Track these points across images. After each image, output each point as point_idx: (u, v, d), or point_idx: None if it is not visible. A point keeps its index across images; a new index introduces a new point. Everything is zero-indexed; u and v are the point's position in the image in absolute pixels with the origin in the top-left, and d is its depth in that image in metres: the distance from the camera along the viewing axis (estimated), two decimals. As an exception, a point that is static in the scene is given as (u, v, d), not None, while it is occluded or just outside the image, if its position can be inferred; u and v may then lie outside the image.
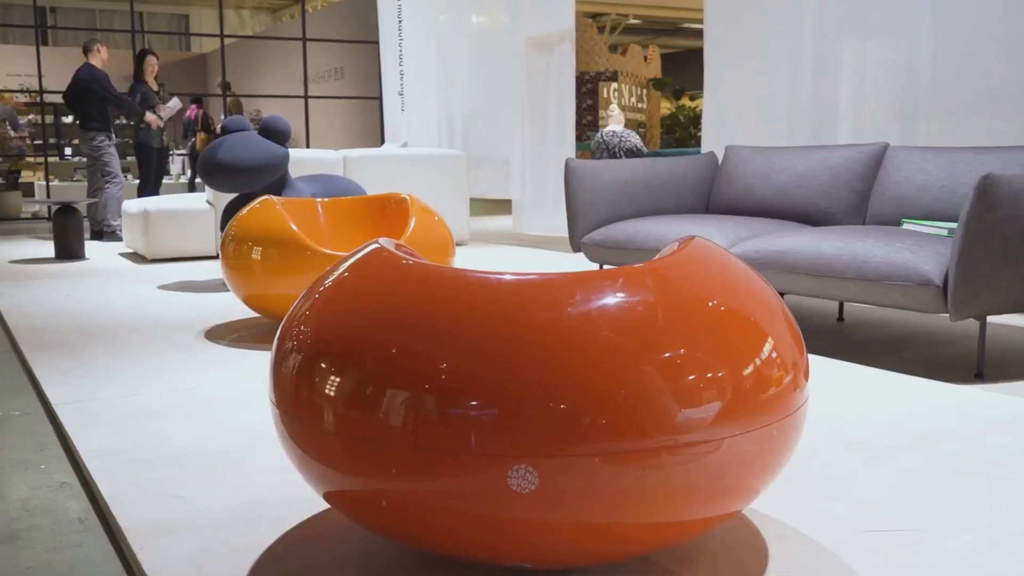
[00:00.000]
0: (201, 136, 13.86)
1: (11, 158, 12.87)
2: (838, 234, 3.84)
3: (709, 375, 1.57)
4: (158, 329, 4.33)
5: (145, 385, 3.26)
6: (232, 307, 4.93)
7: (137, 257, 7.27)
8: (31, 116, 15.14)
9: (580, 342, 1.53)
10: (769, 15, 5.98)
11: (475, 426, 1.51)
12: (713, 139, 6.72)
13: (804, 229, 4.20)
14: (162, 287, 5.67)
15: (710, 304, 1.67)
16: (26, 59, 11.46)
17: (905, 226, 4.06)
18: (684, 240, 1.99)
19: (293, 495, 2.19)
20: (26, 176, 15.34)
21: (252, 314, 4.69)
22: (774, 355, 1.68)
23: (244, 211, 4.16)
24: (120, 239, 8.50)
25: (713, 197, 5.18)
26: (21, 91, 14.38)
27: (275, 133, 5.44)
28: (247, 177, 5.23)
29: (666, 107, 21.08)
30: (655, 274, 1.72)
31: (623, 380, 1.51)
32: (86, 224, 9.03)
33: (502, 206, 10.70)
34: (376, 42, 13.03)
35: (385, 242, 2.07)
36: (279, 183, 5.47)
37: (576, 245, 4.96)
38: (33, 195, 14.72)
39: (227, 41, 12.93)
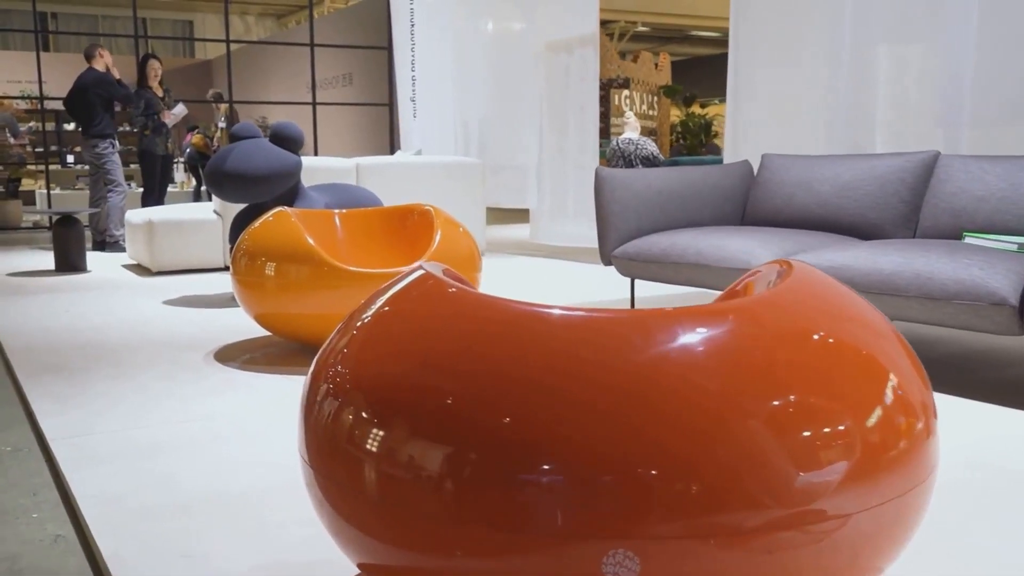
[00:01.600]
0: (199, 136, 13.59)
1: (11, 166, 12.59)
2: (896, 248, 3.56)
3: (851, 433, 1.29)
4: (163, 349, 4.05)
5: (150, 415, 2.98)
6: (242, 324, 4.65)
7: (141, 269, 7.00)
8: (32, 123, 14.89)
9: (690, 394, 1.25)
10: (803, 17, 5.70)
11: (559, 499, 1.23)
12: (735, 147, 6.44)
13: (854, 243, 3.92)
14: (168, 302, 5.39)
15: (832, 343, 1.39)
16: (27, 65, 11.22)
17: (967, 240, 3.77)
18: (780, 265, 1.71)
19: (319, 555, 1.91)
20: (27, 184, 15.08)
21: (264, 332, 4.41)
22: (910, 403, 1.40)
23: (257, 224, 3.88)
24: (123, 250, 8.23)
25: (749, 208, 4.90)
26: (21, 97, 14.12)
27: (287, 140, 5.17)
28: (258, 187, 4.96)
29: (675, 115, 20.82)
30: (767, 309, 1.43)
31: (748, 440, 1.22)
32: (88, 234, 8.77)
33: (517, 215, 10.43)
34: (386, 48, 12.79)
35: (431, 267, 1.79)
36: (291, 193, 5.19)
37: (607, 258, 4.69)
38: (34, 204, 14.47)
39: (232, 47, 12.67)
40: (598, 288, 5.90)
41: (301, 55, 15.49)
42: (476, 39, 8.55)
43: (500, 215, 10.16)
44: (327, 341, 1.71)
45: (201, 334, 4.39)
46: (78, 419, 2.94)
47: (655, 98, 18.62)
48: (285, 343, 4.14)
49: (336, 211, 4.21)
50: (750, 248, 4.00)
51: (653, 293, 5.64)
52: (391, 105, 12.82)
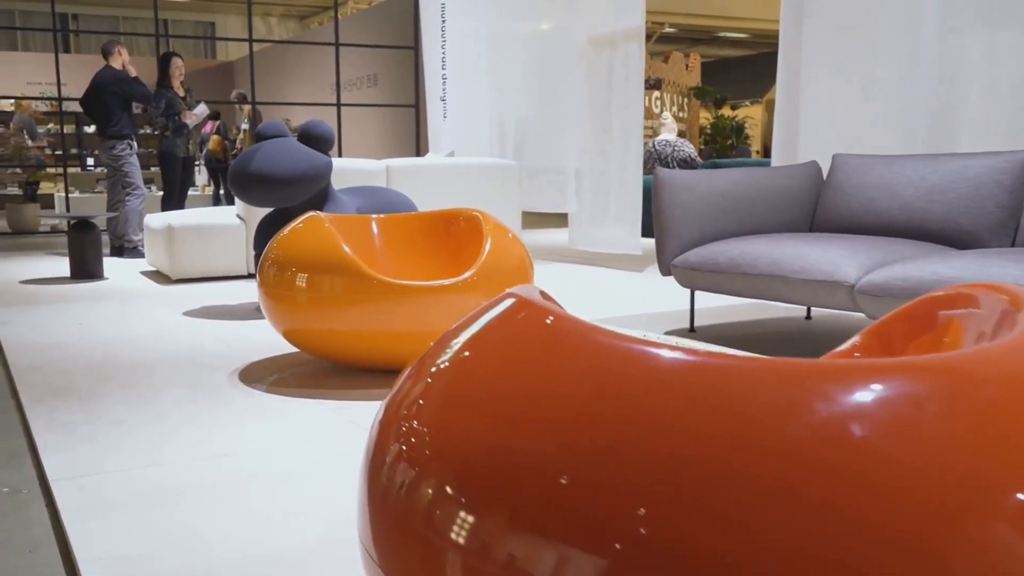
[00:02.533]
0: (215, 138, 13.28)
1: (28, 169, 12.29)
2: (1010, 259, 3.14)
3: None
4: (183, 368, 3.67)
5: (166, 449, 2.60)
6: (268, 339, 4.27)
7: (160, 276, 6.64)
8: (50, 125, 14.60)
9: (915, 477, 0.86)
10: (874, 7, 5.28)
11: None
12: (785, 148, 6.02)
13: (951, 252, 3.51)
14: (188, 313, 5.02)
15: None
16: (47, 67, 10.93)
17: (1086, 250, 3.35)
18: (998, 294, 1.31)
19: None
20: (46, 188, 14.79)
21: (292, 348, 4.03)
22: None
23: (286, 230, 3.50)
24: (142, 255, 7.88)
25: (820, 212, 4.49)
26: (39, 98, 13.83)
27: (317, 139, 4.80)
28: (285, 189, 4.58)
29: (704, 117, 20.38)
30: (996, 362, 1.03)
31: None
32: (105, 240, 8.44)
33: (554, 219, 10.04)
34: (412, 47, 12.42)
35: (526, 292, 1.40)
36: (320, 196, 4.82)
37: (666, 268, 4.28)
38: (53, 207, 14.17)
39: (255, 49, 12.33)
40: (649, 298, 5.49)
41: (325, 56, 15.14)
42: (513, 35, 8.16)
43: (536, 219, 9.76)
44: (394, 391, 1.33)
45: (224, 350, 4.02)
46: (86, 454, 2.56)
47: (685, 100, 18.20)
48: (316, 362, 3.76)
49: (373, 216, 3.83)
50: (835, 258, 3.59)
51: (712, 304, 5.23)
52: (417, 106, 12.45)
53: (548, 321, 1.26)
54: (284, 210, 4.85)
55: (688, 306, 5.18)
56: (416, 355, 1.39)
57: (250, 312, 5.05)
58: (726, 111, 20.12)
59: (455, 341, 1.32)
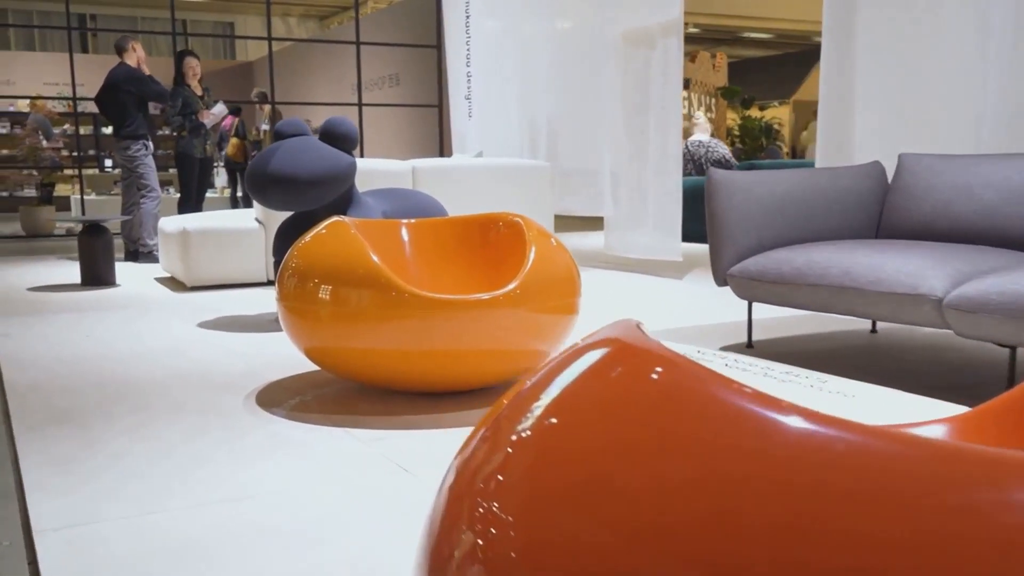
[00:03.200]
0: (234, 141, 12.97)
1: (43, 170, 12.02)
2: (1125, 272, 2.78)
3: None
4: (195, 389, 3.34)
5: (175, 491, 2.27)
6: (289, 354, 3.94)
7: (174, 283, 6.33)
8: (66, 126, 14.34)
9: None
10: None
11: None
12: (828, 149, 5.64)
13: (1047, 262, 3.14)
14: (203, 324, 4.70)
15: None
16: (64, 67, 10.64)
17: None
18: None
19: None
20: (63, 189, 14.53)
21: (314, 366, 3.70)
22: None
23: (308, 237, 3.17)
24: (157, 260, 7.57)
25: (887, 217, 4.12)
26: (53, 98, 13.58)
27: (339, 138, 4.47)
28: (307, 192, 4.25)
29: (731, 117, 19.98)
30: None
31: None
32: (119, 243, 8.15)
33: (588, 222, 9.68)
34: (435, 46, 12.10)
35: (625, 333, 1.07)
36: (344, 199, 4.49)
37: (721, 277, 3.93)
38: (69, 210, 13.92)
39: (274, 49, 12.04)
40: (694, 308, 5.13)
41: (345, 56, 14.84)
42: (543, 31, 7.80)
43: (568, 222, 9.39)
44: (466, 456, 0.99)
45: (240, 367, 3.69)
46: (80, 498, 2.23)
47: (713, 100, 17.81)
48: (341, 383, 3.42)
49: (403, 221, 3.49)
50: (917, 268, 3.22)
51: (763, 315, 4.87)
52: (440, 106, 12.13)
53: (657, 376, 0.93)
54: (305, 214, 4.52)
55: (739, 317, 4.82)
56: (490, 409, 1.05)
57: (269, 324, 4.72)
58: (753, 112, 19.70)
59: (540, 402, 0.99)
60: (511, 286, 2.93)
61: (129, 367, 3.71)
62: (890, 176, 4.44)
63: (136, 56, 7.59)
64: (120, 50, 7.65)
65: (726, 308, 5.12)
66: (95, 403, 3.14)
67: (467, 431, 2.77)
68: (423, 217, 4.71)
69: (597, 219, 7.82)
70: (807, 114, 23.88)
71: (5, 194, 15.62)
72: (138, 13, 21.47)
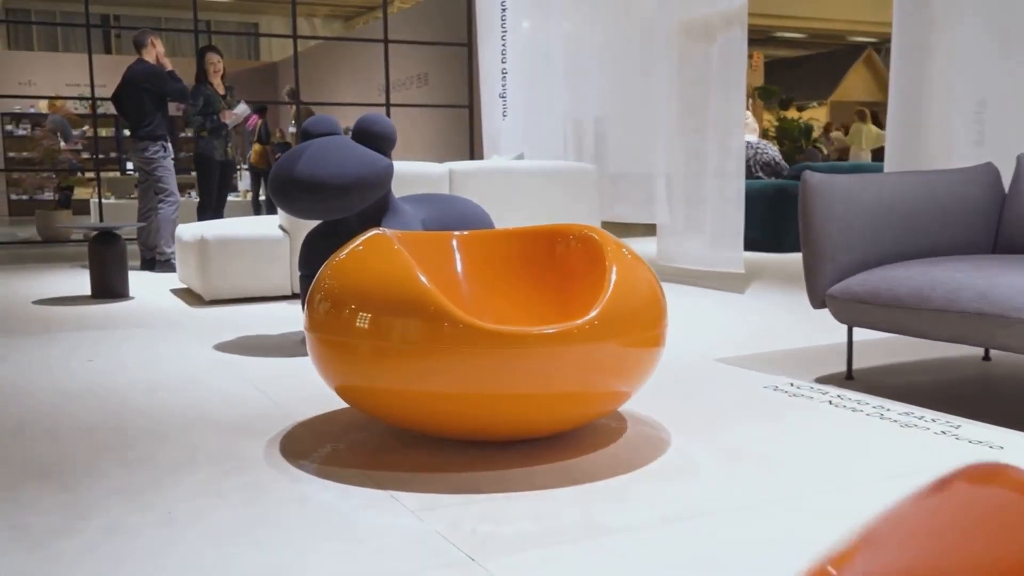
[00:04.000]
0: (257, 148, 12.49)
1: (61, 173, 11.57)
2: None
3: None
4: (209, 432, 2.83)
5: (174, 592, 1.75)
6: (317, 385, 3.43)
7: (191, 296, 5.83)
8: (85, 127, 13.92)
9: None
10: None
11: None
12: (898, 153, 5.08)
13: None
14: (220, 347, 4.19)
15: None
16: (87, 68, 10.21)
17: None
18: None
19: None
20: (83, 193, 14.11)
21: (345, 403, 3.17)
22: None
23: (343, 253, 2.65)
24: (174, 270, 7.08)
25: (1007, 228, 3.56)
26: (71, 98, 13.15)
27: (375, 137, 3.95)
28: (338, 198, 3.74)
29: (767, 119, 19.35)
30: None
31: None
32: (132, 251, 7.68)
33: (634, 227, 9.13)
34: (466, 44, 11.59)
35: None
36: (379, 207, 3.97)
37: (819, 299, 3.38)
38: (88, 214, 13.48)
39: (299, 50, 11.56)
40: (766, 328, 4.59)
41: (371, 56, 14.36)
42: (590, 23, 7.25)
43: (613, 228, 8.83)
44: None
45: (261, 403, 3.17)
46: (51, 600, 1.72)
47: (750, 100, 17.20)
48: (379, 428, 2.90)
49: (454, 234, 2.97)
50: (1076, 292, 2.67)
51: (858, 339, 4.32)
52: (471, 106, 11.61)
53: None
54: (335, 223, 4.02)
55: (822, 340, 4.27)
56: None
57: (293, 346, 4.21)
58: (791, 113, 19.09)
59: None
60: (591, 315, 2.40)
61: (133, 402, 3.20)
62: (1007, 181, 3.89)
63: (155, 52, 7.12)
64: (139, 45, 7.18)
65: (801, 328, 4.58)
66: (87, 450, 2.63)
67: (540, 494, 2.24)
68: (466, 226, 4.20)
69: (644, 224, 7.27)
70: (845, 115, 23.23)
71: (25, 197, 15.25)
72: (162, 14, 21.09)
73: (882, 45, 26.41)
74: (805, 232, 3.39)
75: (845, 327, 3.90)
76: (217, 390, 3.36)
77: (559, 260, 2.86)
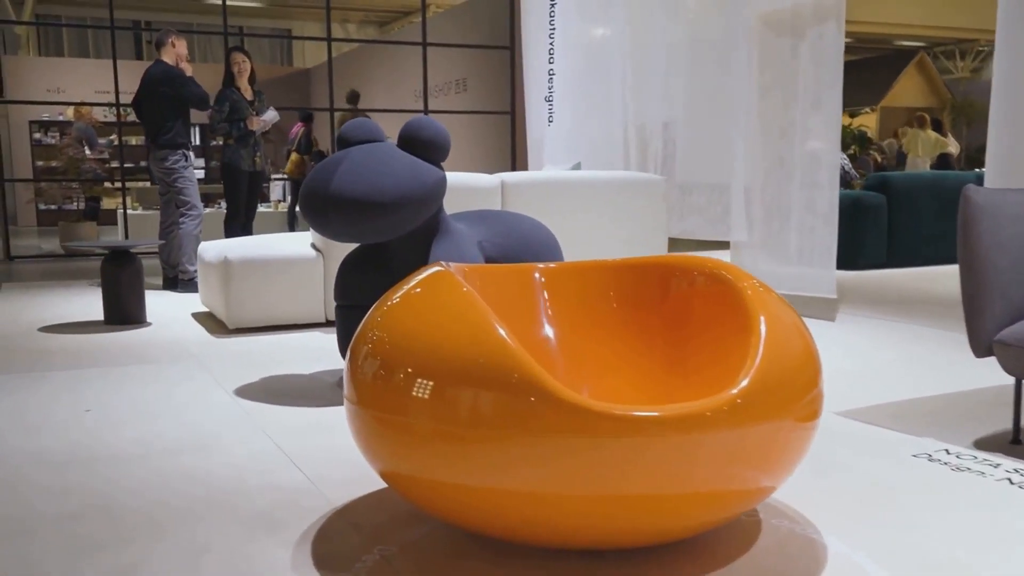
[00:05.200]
0: (294, 158, 11.88)
1: (86, 183, 11.04)
2: None
3: None
4: (220, 524, 2.20)
5: None
6: (358, 454, 2.78)
7: (213, 323, 5.21)
8: (112, 136, 13.40)
9: None
10: None
11: None
12: (1001, 167, 4.40)
13: None
14: (242, 391, 3.56)
15: None
16: (120, 75, 9.71)
17: None
18: None
19: None
20: (111, 203, 13.59)
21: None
22: None
23: (397, 296, 2.02)
24: (197, 289, 6.47)
25: None
26: (97, 104, 12.62)
27: (425, 145, 3.32)
28: (382, 218, 3.11)
29: (815, 125, 18.59)
30: None
31: None
32: (153, 265, 7.09)
33: (702, 242, 8.42)
34: (508, 47, 10.96)
35: None
36: (429, 227, 3.34)
37: (984, 345, 2.70)
38: (116, 225, 12.96)
39: (333, 55, 10.97)
40: (870, 369, 3.91)
41: (407, 61, 13.76)
42: (656, 19, 6.58)
43: (678, 242, 8.11)
44: None
45: (289, 475, 2.54)
46: None
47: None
48: (435, 527, 2.25)
49: (538, 267, 2.32)
50: None
51: (993, 382, 3.62)
52: (513, 112, 10.98)
53: None
54: (378, 245, 3.39)
55: (947, 386, 3.59)
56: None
57: (327, 391, 3.58)
58: (843, 119, 18.32)
59: None
60: (739, 387, 1.74)
61: (129, 476, 2.57)
62: None
63: (175, 52, 6.52)
64: (158, 45, 6.59)
65: (916, 367, 3.89)
66: (62, 556, 2.01)
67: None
68: (530, 249, 3.55)
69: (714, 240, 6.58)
70: (896, 121, 22.37)
71: (53, 207, 14.79)
72: (193, 19, 20.65)
73: (932, 48, 25.55)
74: (968, 261, 2.71)
75: (987, 371, 3.22)
76: (235, 457, 2.73)
77: (675, 303, 2.20)
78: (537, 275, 2.32)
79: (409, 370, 1.85)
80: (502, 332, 1.82)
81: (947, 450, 2.74)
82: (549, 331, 2.26)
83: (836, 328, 4.84)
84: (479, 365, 1.78)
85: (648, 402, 2.12)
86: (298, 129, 11.80)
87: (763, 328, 1.86)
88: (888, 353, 4.23)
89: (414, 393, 1.83)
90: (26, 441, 2.91)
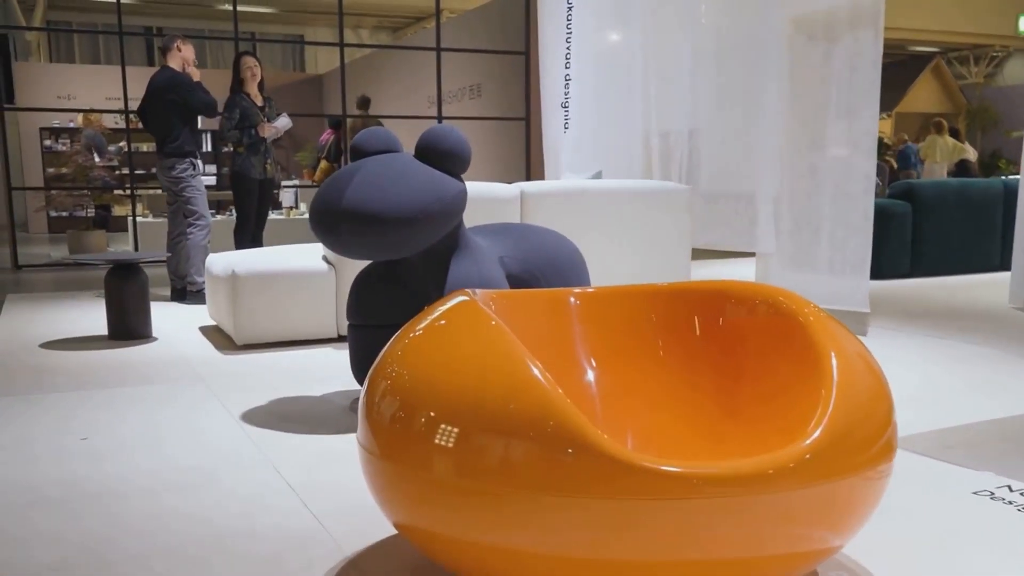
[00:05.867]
0: (323, 166, 11.65)
1: (95, 191, 10.87)
2: None
3: None
4: (223, 572, 1.99)
5: None
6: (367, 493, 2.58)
7: (221, 337, 5.02)
8: (122, 143, 13.24)
9: None
10: None
11: None
12: None
13: None
14: (248, 416, 3.36)
15: None
16: (130, 81, 9.55)
17: None
18: None
19: None
20: (123, 210, 13.42)
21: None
22: None
23: (419, 328, 1.82)
24: (205, 301, 6.28)
25: None
26: (105, 111, 12.46)
27: (444, 156, 3.12)
28: (398, 235, 2.92)
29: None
30: None
31: None
32: (160, 274, 6.91)
33: (724, 251, 8.19)
34: (523, 52, 10.77)
35: None
36: (448, 244, 3.14)
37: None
38: (127, 232, 12.80)
39: (346, 61, 10.78)
40: (908, 386, 3.70)
41: (420, 67, 13.58)
42: (680, 21, 6.37)
43: (700, 251, 7.89)
44: None
45: (298, 517, 2.33)
46: None
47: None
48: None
49: (573, 292, 2.11)
50: None
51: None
52: (528, 119, 10.78)
53: None
54: (394, 261, 3.19)
55: (1002, 406, 3.37)
56: None
57: (340, 415, 3.38)
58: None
59: None
60: (811, 439, 1.53)
61: (123, 517, 2.37)
62: None
63: (181, 58, 6.34)
64: (164, 50, 6.42)
65: (960, 386, 3.67)
66: (45, 617, 1.81)
67: None
68: (555, 264, 3.35)
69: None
70: (910, 128, 22.09)
71: (64, 214, 14.64)
72: (204, 25, 20.52)
73: (945, 54, 25.26)
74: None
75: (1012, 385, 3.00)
76: (240, 494, 2.53)
77: (726, 333, 1.99)
78: (572, 300, 2.11)
79: (431, 413, 1.65)
80: (536, 372, 1.61)
81: (1010, 487, 2.53)
82: (585, 364, 2.06)
83: (869, 344, 4.62)
84: (509, 411, 1.58)
85: (699, 448, 1.92)
86: (328, 136, 11.57)
87: (834, 368, 1.65)
88: (929, 372, 4.01)
89: (436, 441, 1.63)
90: (18, 474, 2.71)
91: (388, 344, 1.86)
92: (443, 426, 1.62)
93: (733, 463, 1.50)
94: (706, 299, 2.04)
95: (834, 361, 1.66)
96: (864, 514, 1.69)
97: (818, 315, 1.80)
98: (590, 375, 2.05)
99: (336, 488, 2.55)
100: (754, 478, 1.48)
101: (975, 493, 2.49)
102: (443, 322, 1.80)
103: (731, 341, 1.97)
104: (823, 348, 1.69)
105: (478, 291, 1.96)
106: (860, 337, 4.63)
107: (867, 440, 1.65)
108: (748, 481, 1.49)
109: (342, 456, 2.84)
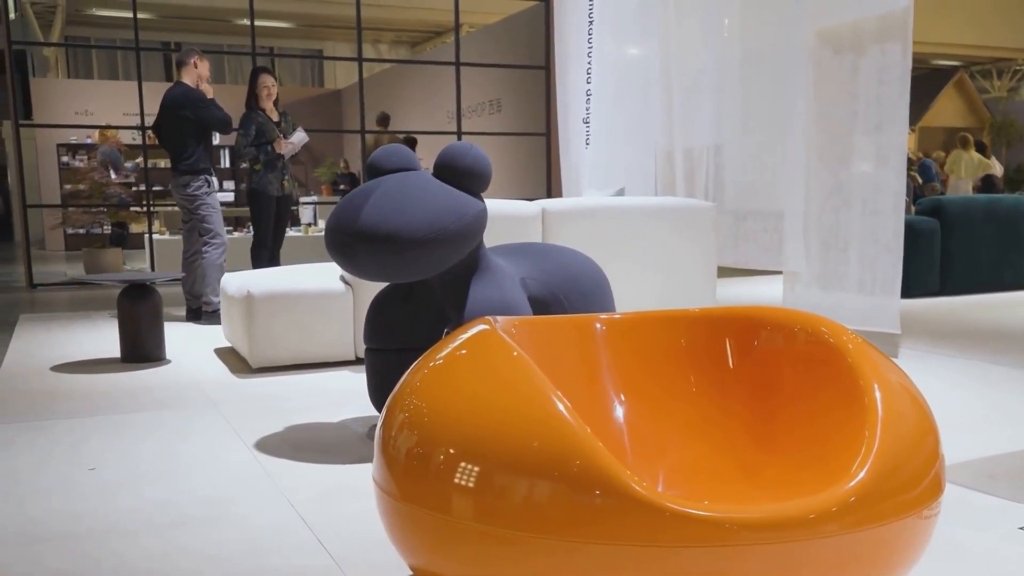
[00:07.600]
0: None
1: (111, 208, 10.84)
2: None
3: None
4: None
5: None
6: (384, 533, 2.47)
7: (236, 361, 4.93)
8: (138, 160, 13.23)
9: None
10: None
11: None
12: None
13: None
14: (262, 445, 3.26)
15: None
16: (147, 97, 9.52)
17: None
18: None
19: None
20: (139, 227, 13.41)
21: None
22: None
23: (439, 357, 1.72)
24: (220, 321, 6.21)
25: None
26: (122, 127, 12.43)
27: (464, 174, 3.03)
28: (415, 256, 2.81)
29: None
30: None
31: None
32: (175, 293, 6.84)
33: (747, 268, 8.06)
34: (544, 67, 10.69)
35: None
36: (468, 265, 3.04)
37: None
38: (143, 248, 12.78)
39: (364, 76, 10.72)
40: (950, 412, 3.56)
41: (439, 82, 13.53)
42: (704, 36, 6.27)
43: (723, 268, 7.76)
44: None
45: (314, 557, 2.23)
46: None
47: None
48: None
49: (598, 318, 2.00)
50: None
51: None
52: (549, 134, 10.69)
53: None
54: (412, 283, 3.09)
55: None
56: None
57: (356, 441, 3.28)
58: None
59: None
60: (858, 478, 1.42)
61: (134, 552, 2.28)
62: None
63: (196, 73, 6.28)
64: (179, 65, 6.36)
65: (997, 413, 3.54)
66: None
67: None
68: (577, 285, 3.25)
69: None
70: (934, 142, 21.87)
71: (81, 231, 14.64)
72: (223, 40, 20.58)
73: (968, 67, 25.06)
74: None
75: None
76: (252, 530, 2.42)
77: (761, 362, 1.88)
78: (598, 326, 2.00)
79: (451, 450, 1.54)
80: (560, 407, 1.51)
81: (1065, 527, 2.40)
82: (613, 394, 1.95)
83: (901, 366, 4.48)
84: (533, 449, 1.47)
85: (733, 481, 1.80)
86: None
87: (878, 401, 1.53)
88: (965, 396, 3.87)
89: (456, 481, 1.52)
90: (21, 508, 2.62)
91: (405, 375, 1.75)
92: (462, 464, 1.51)
93: (771, 507, 1.38)
94: (739, 325, 1.92)
95: (878, 394, 1.54)
96: (912, 558, 1.58)
97: (858, 344, 1.69)
98: (618, 406, 1.94)
99: (353, 524, 2.44)
100: (794, 523, 1.37)
101: (1022, 528, 2.36)
102: (463, 351, 1.70)
103: (765, 369, 1.86)
104: (866, 380, 1.58)
105: (499, 318, 1.86)
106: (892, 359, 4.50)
107: (914, 478, 1.53)
108: (787, 526, 1.38)
109: (358, 489, 2.74)
